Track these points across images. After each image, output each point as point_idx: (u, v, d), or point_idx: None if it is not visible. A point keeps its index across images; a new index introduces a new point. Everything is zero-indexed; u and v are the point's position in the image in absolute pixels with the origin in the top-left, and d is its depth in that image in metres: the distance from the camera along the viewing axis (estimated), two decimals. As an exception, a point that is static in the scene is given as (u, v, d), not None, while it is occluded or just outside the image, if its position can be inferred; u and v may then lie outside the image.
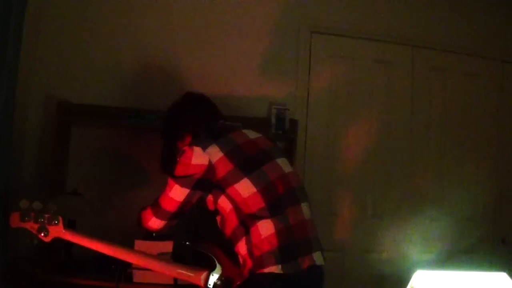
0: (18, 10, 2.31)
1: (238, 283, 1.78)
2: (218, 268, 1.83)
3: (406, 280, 1.60)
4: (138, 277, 2.31)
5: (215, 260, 1.84)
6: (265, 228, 1.73)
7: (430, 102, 3.37)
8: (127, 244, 2.04)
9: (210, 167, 1.80)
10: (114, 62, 2.99)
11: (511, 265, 2.30)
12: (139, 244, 2.32)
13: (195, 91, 2.17)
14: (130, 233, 2.32)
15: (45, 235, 1.83)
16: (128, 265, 2.16)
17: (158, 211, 1.90)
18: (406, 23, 3.33)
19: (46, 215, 1.83)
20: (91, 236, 1.89)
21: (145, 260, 1.91)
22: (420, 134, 3.34)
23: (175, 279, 2.05)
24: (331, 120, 3.24)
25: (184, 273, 1.85)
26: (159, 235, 2.35)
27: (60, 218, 1.84)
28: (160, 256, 2.20)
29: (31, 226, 1.82)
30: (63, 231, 1.85)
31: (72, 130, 2.90)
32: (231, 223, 1.80)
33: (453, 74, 3.40)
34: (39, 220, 1.83)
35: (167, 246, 2.35)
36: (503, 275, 1.57)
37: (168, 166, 1.95)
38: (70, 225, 2.61)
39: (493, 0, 3.46)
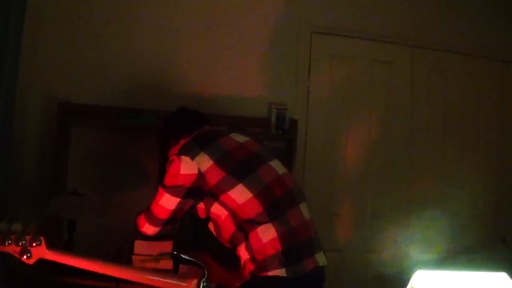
0: (18, 10, 2.31)
1: (238, 284, 1.76)
2: (208, 275, 1.80)
3: (406, 280, 1.60)
4: (138, 277, 2.31)
5: (204, 267, 1.81)
6: (266, 233, 1.72)
7: (430, 102, 3.36)
8: (127, 244, 2.04)
9: (200, 176, 1.79)
10: (114, 63, 2.99)
11: (511, 265, 2.30)
12: (139, 244, 2.30)
13: (188, 107, 2.14)
14: (130, 233, 2.30)
15: (28, 257, 1.70)
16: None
17: (151, 218, 1.90)
18: (406, 23, 3.33)
19: (27, 237, 1.69)
20: (75, 254, 1.81)
21: (133, 274, 1.84)
22: (420, 134, 3.34)
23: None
24: (331, 120, 3.24)
25: (175, 283, 1.80)
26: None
27: (42, 238, 1.71)
28: (148, 269, 2.15)
29: (13, 249, 1.69)
30: (47, 251, 1.72)
31: (72, 130, 2.91)
32: (228, 229, 1.79)
33: (453, 74, 3.40)
34: (20, 242, 1.68)
35: (167, 246, 2.34)
36: (503, 275, 1.57)
37: (161, 176, 1.93)
38: (70, 225, 2.62)
39: (493, 0, 3.46)
